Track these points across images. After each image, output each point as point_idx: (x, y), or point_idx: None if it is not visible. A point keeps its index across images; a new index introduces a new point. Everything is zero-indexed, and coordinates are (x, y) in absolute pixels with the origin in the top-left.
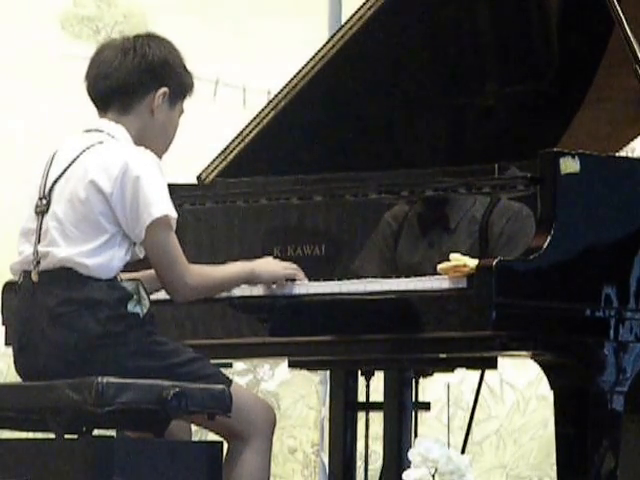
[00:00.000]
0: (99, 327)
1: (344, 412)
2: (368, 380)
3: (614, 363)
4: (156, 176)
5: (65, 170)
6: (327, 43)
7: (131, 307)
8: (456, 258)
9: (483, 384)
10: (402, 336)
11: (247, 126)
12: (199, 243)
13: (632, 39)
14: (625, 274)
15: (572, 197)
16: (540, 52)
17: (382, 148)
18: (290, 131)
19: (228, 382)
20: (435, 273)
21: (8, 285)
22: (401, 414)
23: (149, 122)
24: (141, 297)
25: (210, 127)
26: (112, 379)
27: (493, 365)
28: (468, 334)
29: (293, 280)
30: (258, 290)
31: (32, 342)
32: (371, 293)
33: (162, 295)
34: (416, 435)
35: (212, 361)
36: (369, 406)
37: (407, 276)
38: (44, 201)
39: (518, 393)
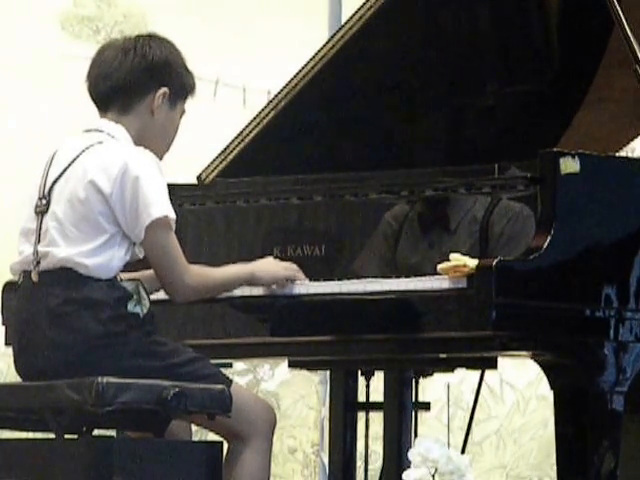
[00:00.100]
0: (99, 327)
1: (344, 412)
2: (368, 380)
3: (614, 363)
4: (155, 176)
5: (65, 170)
6: (327, 43)
7: (131, 307)
8: (456, 258)
9: (483, 384)
10: (402, 336)
11: (247, 126)
12: (199, 243)
13: (632, 39)
14: (625, 274)
15: (572, 197)
16: (540, 52)
17: (382, 148)
18: (290, 131)
19: (228, 382)
20: (435, 273)
21: (8, 285)
22: (401, 414)
23: (149, 122)
24: (141, 297)
25: (210, 127)
26: (112, 379)
27: (493, 365)
28: (468, 334)
29: (293, 280)
30: (258, 290)
31: (32, 342)
32: (371, 293)
33: (162, 295)
34: (416, 435)
35: (212, 361)
36: (369, 406)
37: (407, 276)
38: (44, 201)
39: (518, 393)
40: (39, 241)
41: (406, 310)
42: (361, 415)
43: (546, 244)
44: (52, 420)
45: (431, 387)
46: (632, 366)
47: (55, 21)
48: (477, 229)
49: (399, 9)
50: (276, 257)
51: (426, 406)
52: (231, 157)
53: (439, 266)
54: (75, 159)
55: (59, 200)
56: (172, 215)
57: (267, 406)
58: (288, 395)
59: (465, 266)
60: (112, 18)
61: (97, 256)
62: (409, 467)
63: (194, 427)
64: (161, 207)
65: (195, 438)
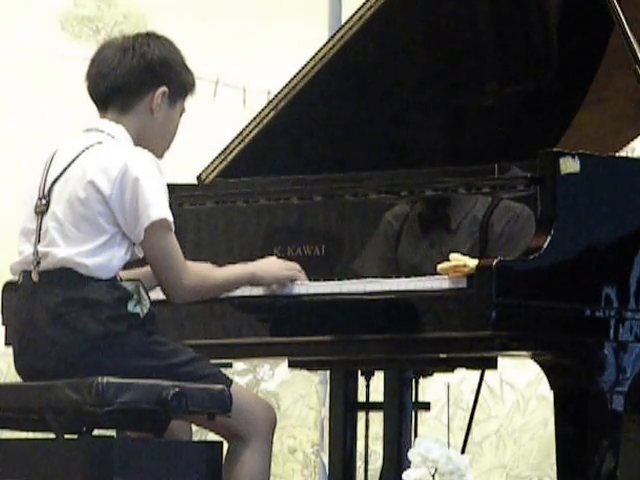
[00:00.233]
0: (99, 327)
1: (344, 412)
2: (368, 380)
3: (614, 363)
4: (155, 178)
5: (64, 170)
6: (327, 43)
7: (131, 307)
8: (456, 258)
9: (483, 384)
10: (402, 336)
11: (247, 126)
12: (199, 243)
13: (632, 39)
14: (625, 274)
15: (572, 197)
16: (540, 52)
17: (382, 148)
18: (290, 131)
19: (228, 382)
20: (435, 273)
21: (8, 285)
22: (401, 414)
23: (149, 121)
24: (141, 297)
25: (210, 127)
26: (112, 379)
27: (493, 365)
28: (468, 334)
29: (293, 280)
30: (258, 290)
31: (32, 342)
32: (371, 293)
33: (162, 295)
34: (416, 435)
35: (212, 361)
36: (369, 406)
37: (407, 276)
38: (43, 201)
39: (518, 393)
40: (39, 241)
41: (406, 310)
42: (361, 415)
43: (546, 244)
44: (52, 420)
45: (431, 387)
46: (632, 366)
47: (55, 21)
48: (477, 229)
49: (399, 9)
50: (277, 257)
51: (426, 406)
52: (231, 157)
53: (439, 266)
54: (75, 159)
55: (59, 200)
56: (170, 218)
57: (267, 406)
58: (288, 395)
59: (465, 266)
60: (112, 18)
61: (97, 256)
62: (409, 467)
63: (194, 427)
64: (160, 209)
65: (195, 438)
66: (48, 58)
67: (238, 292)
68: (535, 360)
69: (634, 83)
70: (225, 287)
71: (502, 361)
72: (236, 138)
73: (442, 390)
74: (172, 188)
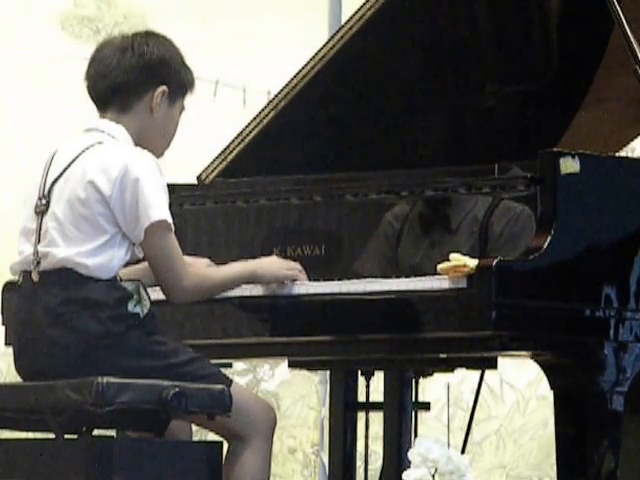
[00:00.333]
0: (99, 327)
1: (344, 412)
2: (368, 380)
3: (614, 363)
4: (156, 178)
5: (64, 170)
6: (327, 43)
7: (131, 307)
8: (456, 258)
9: (483, 384)
10: (402, 336)
11: (247, 126)
12: (199, 243)
13: (632, 39)
14: (625, 274)
15: (572, 197)
16: (540, 52)
17: (382, 148)
18: (290, 131)
19: (228, 382)
20: (435, 273)
21: (8, 285)
22: (401, 414)
23: (149, 121)
24: (141, 297)
25: (210, 127)
26: (112, 379)
27: (493, 365)
28: (468, 334)
29: (294, 280)
30: (258, 290)
31: (32, 342)
32: (371, 293)
33: (162, 295)
34: (416, 435)
35: (212, 361)
36: (369, 406)
37: (407, 276)
38: (43, 201)
39: (518, 393)
40: (39, 241)
41: (406, 310)
42: (361, 415)
43: (546, 244)
44: (52, 420)
45: (431, 387)
46: (632, 366)
47: (55, 21)
48: (477, 229)
49: (399, 9)
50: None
51: (426, 406)
52: (231, 157)
53: (439, 266)
54: (75, 159)
55: (59, 200)
56: (170, 218)
57: (267, 406)
58: (288, 395)
59: (465, 266)
60: (112, 18)
61: (97, 256)
62: (409, 467)
63: (194, 427)
64: (161, 210)
65: (195, 438)
66: (48, 58)
67: (238, 292)
68: (535, 360)
69: (634, 83)
70: (225, 286)
71: (502, 361)
72: (236, 138)
73: (442, 390)
74: (172, 188)
